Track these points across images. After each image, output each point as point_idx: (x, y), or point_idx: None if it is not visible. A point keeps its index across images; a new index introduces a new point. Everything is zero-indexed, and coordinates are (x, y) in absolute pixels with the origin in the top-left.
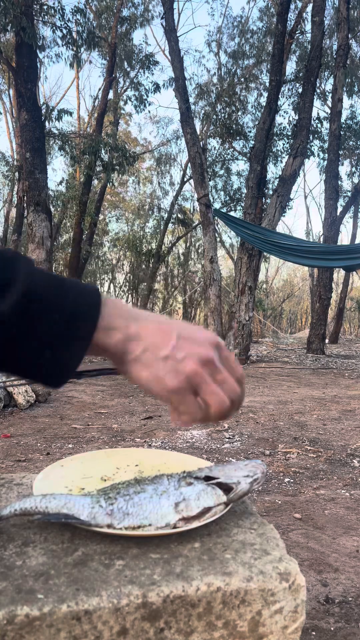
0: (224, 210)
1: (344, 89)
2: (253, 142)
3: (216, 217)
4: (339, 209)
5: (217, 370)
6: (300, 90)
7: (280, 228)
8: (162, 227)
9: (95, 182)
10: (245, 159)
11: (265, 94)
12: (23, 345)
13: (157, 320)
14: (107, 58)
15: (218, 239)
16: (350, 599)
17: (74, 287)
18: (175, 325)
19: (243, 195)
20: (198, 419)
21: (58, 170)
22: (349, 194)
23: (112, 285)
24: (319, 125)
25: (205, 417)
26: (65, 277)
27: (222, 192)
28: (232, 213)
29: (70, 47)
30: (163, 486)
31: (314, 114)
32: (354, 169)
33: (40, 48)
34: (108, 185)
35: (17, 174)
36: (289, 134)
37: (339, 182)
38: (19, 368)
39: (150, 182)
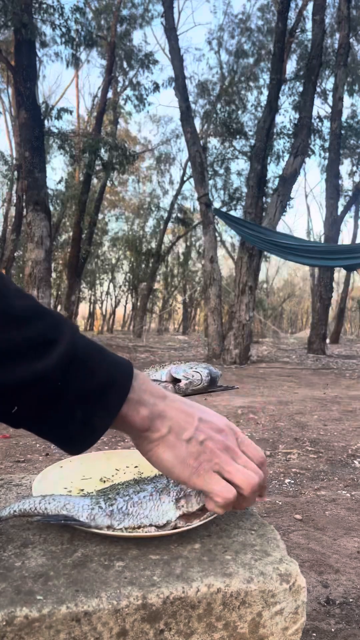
0: (224, 209)
1: (345, 87)
2: (253, 141)
3: (216, 217)
4: (340, 208)
5: (237, 456)
6: (300, 89)
7: (280, 227)
8: (161, 227)
9: (95, 181)
10: (246, 158)
11: (266, 93)
12: (57, 405)
13: (181, 400)
14: (107, 57)
15: (218, 239)
16: (351, 600)
17: (110, 355)
18: (196, 407)
19: (243, 194)
20: (231, 500)
21: (57, 169)
22: (350, 193)
23: (111, 284)
24: (320, 124)
25: (240, 499)
26: (102, 346)
27: (222, 191)
28: (232, 212)
29: (69, 46)
30: (162, 484)
31: (315, 112)
32: (354, 168)
33: (41, 44)
34: (107, 184)
35: (16, 173)
36: (290, 133)
37: (340, 181)
38: (45, 427)
39: (150, 181)
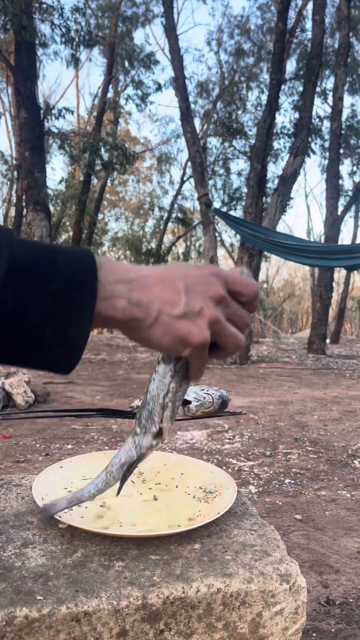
0: (224, 209)
1: (345, 87)
2: (253, 141)
3: (216, 217)
4: (340, 208)
5: (229, 304)
6: (300, 88)
7: (280, 227)
8: (161, 227)
9: (95, 181)
10: (246, 157)
11: (266, 93)
12: (21, 328)
13: (156, 275)
14: (107, 57)
15: (218, 239)
16: (351, 600)
17: (62, 254)
18: (174, 274)
19: (243, 194)
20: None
21: (57, 169)
22: (350, 193)
23: None
24: (320, 124)
25: (220, 353)
26: (52, 243)
27: (222, 191)
28: (232, 212)
29: (69, 46)
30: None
31: (315, 112)
32: (355, 168)
33: (41, 45)
34: (108, 184)
35: (16, 173)
36: (290, 132)
37: (340, 181)
38: (24, 356)
39: (150, 181)
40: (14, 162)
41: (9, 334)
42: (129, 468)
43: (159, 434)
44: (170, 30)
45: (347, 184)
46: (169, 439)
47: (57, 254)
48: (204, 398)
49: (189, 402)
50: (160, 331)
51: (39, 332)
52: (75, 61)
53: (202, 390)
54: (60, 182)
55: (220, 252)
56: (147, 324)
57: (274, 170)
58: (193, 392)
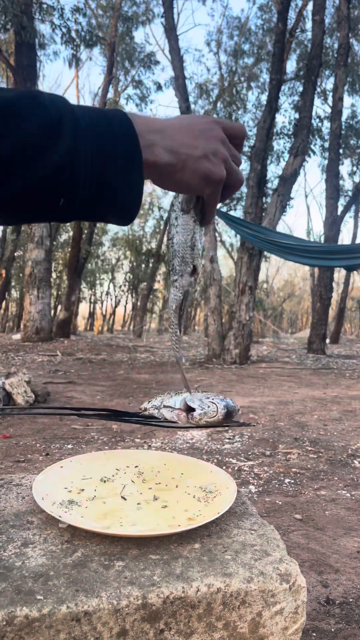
0: (224, 209)
1: (345, 87)
2: (253, 141)
3: (216, 217)
4: (340, 208)
5: (229, 145)
6: (300, 89)
7: (280, 227)
8: (161, 227)
9: None
10: (246, 157)
11: (266, 93)
12: (93, 180)
13: (175, 124)
14: (107, 57)
15: (218, 239)
16: (351, 600)
17: (103, 112)
18: (188, 123)
19: (243, 194)
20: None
21: None
22: (350, 193)
23: (111, 284)
24: (320, 124)
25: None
26: (92, 107)
27: None
28: (232, 212)
29: (70, 46)
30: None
31: (315, 112)
32: (354, 168)
33: (40, 46)
34: None
35: None
36: (290, 133)
37: (340, 181)
38: (94, 204)
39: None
40: None
41: (84, 186)
42: (180, 308)
43: (194, 271)
44: (171, 30)
45: (347, 184)
46: (169, 439)
47: (100, 113)
48: (208, 407)
49: (193, 410)
50: (189, 173)
51: (107, 180)
52: (76, 61)
53: (208, 398)
54: None
55: (220, 252)
56: (178, 168)
57: (274, 170)
58: (198, 400)
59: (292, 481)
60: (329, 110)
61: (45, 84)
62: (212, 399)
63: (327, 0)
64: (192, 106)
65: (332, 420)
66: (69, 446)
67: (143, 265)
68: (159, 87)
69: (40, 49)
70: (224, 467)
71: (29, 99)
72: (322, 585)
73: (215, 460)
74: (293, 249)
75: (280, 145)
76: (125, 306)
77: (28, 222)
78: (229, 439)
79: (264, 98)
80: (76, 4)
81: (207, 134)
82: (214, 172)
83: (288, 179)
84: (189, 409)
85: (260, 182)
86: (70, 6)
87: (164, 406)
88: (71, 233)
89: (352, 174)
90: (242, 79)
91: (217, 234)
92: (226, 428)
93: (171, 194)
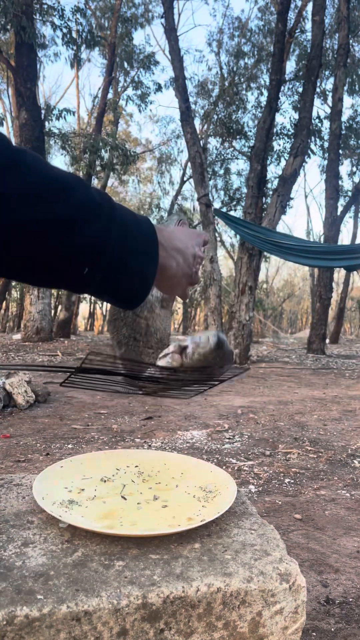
0: (224, 209)
1: (345, 88)
2: (253, 142)
3: (216, 217)
4: (340, 209)
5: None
6: (300, 89)
7: (280, 227)
8: None
9: (95, 181)
10: (246, 158)
11: (266, 93)
12: (118, 259)
13: (178, 244)
14: (107, 57)
15: (218, 239)
16: (350, 599)
17: (133, 214)
18: (188, 242)
19: (243, 194)
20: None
21: None
22: (350, 193)
23: None
24: (320, 124)
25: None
26: (131, 210)
27: (222, 192)
28: (232, 213)
29: (70, 47)
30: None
31: (315, 113)
32: (354, 169)
33: (40, 46)
34: (108, 184)
35: None
36: (290, 133)
37: (340, 182)
38: (110, 283)
39: (150, 182)
40: None
41: (109, 262)
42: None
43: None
44: (171, 31)
45: (346, 184)
46: (169, 439)
47: (133, 215)
48: (200, 339)
49: (186, 347)
50: (183, 282)
51: (126, 268)
52: (77, 61)
53: (198, 335)
54: None
55: (220, 252)
56: (178, 275)
57: (274, 170)
58: (189, 338)
59: (292, 481)
60: (328, 110)
61: (46, 85)
62: (202, 334)
63: (326, 0)
64: (193, 106)
65: (332, 420)
66: (69, 446)
67: None
68: (159, 88)
69: (41, 50)
70: (224, 467)
71: (81, 183)
72: (321, 585)
73: (215, 460)
74: (293, 250)
75: (280, 145)
76: None
77: (49, 285)
78: (229, 438)
79: (263, 99)
80: (76, 4)
81: (197, 258)
82: (194, 280)
83: (288, 179)
84: (182, 349)
85: (260, 182)
86: (71, 7)
87: (160, 358)
88: None
89: (351, 174)
90: (243, 79)
91: (217, 234)
92: (222, 418)
93: (171, 194)
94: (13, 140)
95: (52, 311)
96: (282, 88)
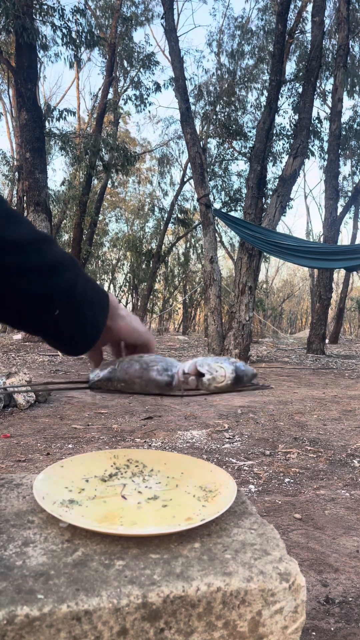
0: (224, 210)
1: (344, 89)
2: (253, 142)
3: (216, 217)
4: (339, 209)
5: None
6: (300, 90)
7: (280, 228)
8: (162, 227)
9: (95, 181)
10: (245, 159)
11: (265, 94)
12: (78, 305)
13: (129, 321)
14: (107, 57)
15: (218, 239)
16: (350, 599)
17: (99, 290)
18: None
19: (243, 195)
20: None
21: (58, 170)
22: (350, 194)
23: (112, 285)
24: (319, 125)
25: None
26: (91, 278)
27: (222, 192)
28: (232, 213)
29: (70, 47)
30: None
31: (314, 113)
32: (354, 169)
33: (42, 47)
34: (108, 185)
35: (17, 174)
36: (289, 134)
37: (340, 182)
38: (64, 327)
39: (150, 182)
40: (15, 163)
41: (75, 306)
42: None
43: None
44: (171, 32)
45: (346, 185)
46: (169, 439)
47: (99, 290)
48: (216, 371)
49: (203, 375)
50: (138, 329)
51: (83, 314)
52: (77, 62)
53: (217, 362)
54: (63, 184)
55: (220, 252)
56: (128, 321)
57: (274, 171)
58: (207, 365)
59: (292, 481)
60: (328, 111)
61: (46, 85)
62: (221, 364)
63: (326, 1)
64: (192, 107)
65: (332, 420)
66: (70, 446)
67: (143, 266)
68: (158, 88)
69: (42, 50)
70: (223, 467)
71: (52, 243)
72: (321, 585)
73: (215, 460)
74: (293, 250)
75: (280, 146)
76: (125, 306)
77: (21, 327)
78: (229, 438)
79: (263, 99)
80: (76, 5)
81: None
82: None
83: (288, 179)
84: (199, 374)
85: (260, 182)
86: (71, 7)
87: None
88: (72, 234)
89: (351, 174)
90: (243, 80)
91: (217, 235)
92: (222, 417)
93: (171, 194)
94: (13, 141)
95: None
96: (282, 89)
